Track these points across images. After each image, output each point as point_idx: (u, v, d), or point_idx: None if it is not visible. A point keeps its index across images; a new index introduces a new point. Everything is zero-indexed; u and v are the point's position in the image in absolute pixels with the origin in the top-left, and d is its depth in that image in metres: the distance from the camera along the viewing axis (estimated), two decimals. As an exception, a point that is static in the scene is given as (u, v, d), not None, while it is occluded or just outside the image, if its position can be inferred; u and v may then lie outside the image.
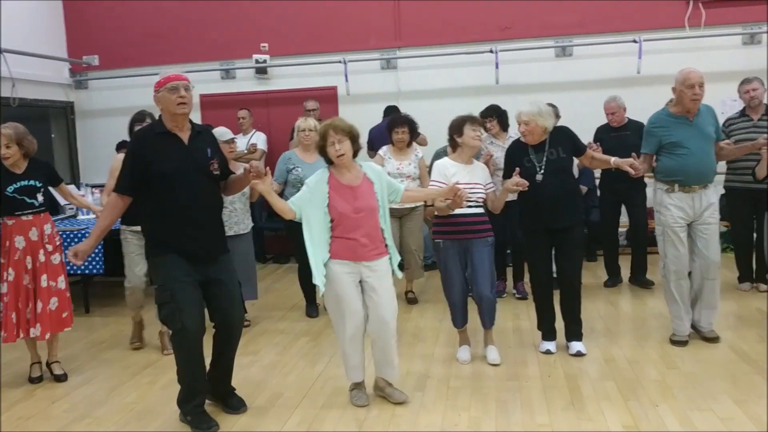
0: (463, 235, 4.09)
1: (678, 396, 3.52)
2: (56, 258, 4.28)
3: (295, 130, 5.44)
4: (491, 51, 7.29)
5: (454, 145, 4.21)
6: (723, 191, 5.76)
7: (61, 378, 4.27)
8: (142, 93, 7.78)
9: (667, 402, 3.45)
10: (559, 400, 3.55)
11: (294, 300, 5.90)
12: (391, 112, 6.57)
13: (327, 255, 3.45)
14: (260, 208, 7.27)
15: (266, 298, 5.98)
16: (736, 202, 5.54)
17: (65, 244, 5.16)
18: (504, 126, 5.60)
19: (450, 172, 4.02)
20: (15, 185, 4.12)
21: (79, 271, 5.64)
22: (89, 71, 8.49)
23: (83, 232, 5.60)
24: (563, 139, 4.20)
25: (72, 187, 6.14)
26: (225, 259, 3.51)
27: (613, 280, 5.94)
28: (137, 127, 4.41)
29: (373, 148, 6.42)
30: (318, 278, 3.44)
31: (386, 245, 3.58)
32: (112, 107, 8.23)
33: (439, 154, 5.34)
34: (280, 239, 7.61)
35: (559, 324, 4.34)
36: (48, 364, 4.35)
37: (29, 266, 4.17)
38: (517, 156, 4.22)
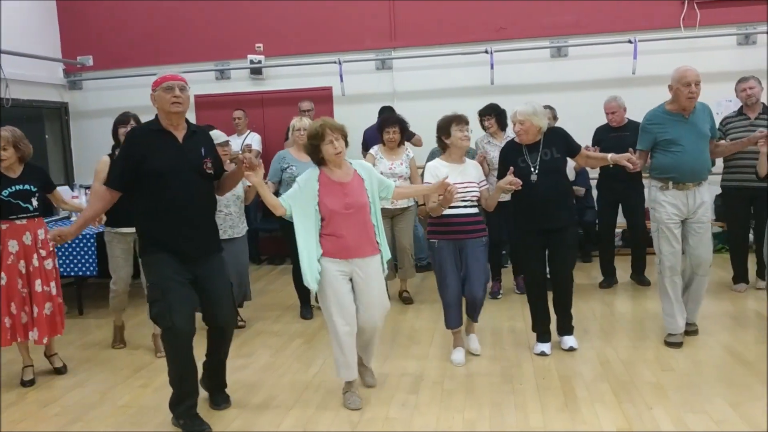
0: (457, 235, 4.10)
1: (672, 398, 3.51)
2: (49, 263, 4.27)
3: (290, 130, 5.45)
4: (486, 51, 7.28)
5: (443, 146, 4.21)
6: (720, 191, 5.78)
7: (61, 370, 4.34)
8: (137, 93, 7.78)
9: (661, 404, 3.44)
10: (554, 402, 3.54)
11: (289, 301, 5.88)
12: (386, 112, 6.57)
13: (319, 252, 3.47)
14: (255, 208, 7.26)
15: (261, 300, 5.96)
16: (732, 202, 5.55)
17: (58, 248, 5.15)
18: (502, 125, 5.59)
19: (442, 173, 4.01)
20: (10, 189, 4.11)
21: (72, 273, 5.63)
22: (83, 72, 8.46)
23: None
24: (557, 139, 4.20)
25: (65, 189, 6.12)
26: (217, 258, 3.51)
27: (609, 280, 5.94)
28: (121, 129, 4.44)
29: (367, 148, 6.41)
30: (310, 280, 3.46)
31: (378, 242, 3.59)
32: (106, 108, 8.16)
33: (435, 154, 5.33)
34: (275, 240, 7.58)
35: (554, 326, 4.34)
36: (47, 357, 4.41)
37: (23, 271, 4.15)
38: (512, 156, 4.22)
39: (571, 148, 4.24)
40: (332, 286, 3.47)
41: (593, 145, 5.36)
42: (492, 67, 7.25)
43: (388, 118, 5.68)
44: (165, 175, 3.26)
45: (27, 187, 4.18)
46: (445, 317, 4.25)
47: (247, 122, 7.61)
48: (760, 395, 3.49)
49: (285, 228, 4.82)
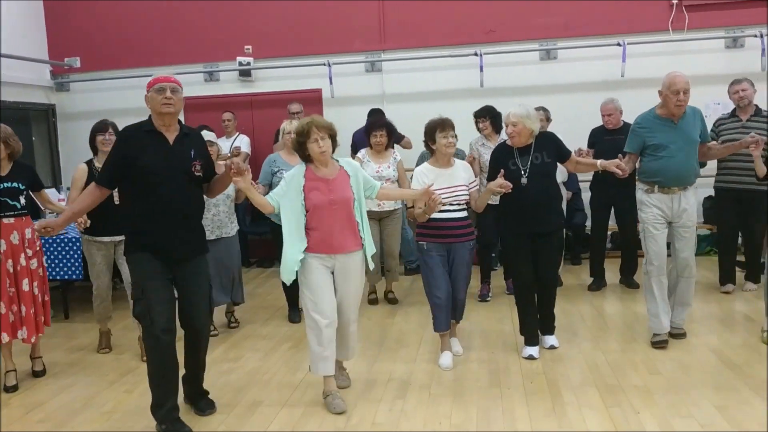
0: (445, 238, 4.13)
1: (659, 402, 3.50)
2: (34, 263, 4.25)
3: (280, 133, 5.44)
4: (476, 54, 7.28)
5: (431, 150, 4.22)
6: (711, 192, 5.79)
7: (39, 374, 4.33)
8: (125, 95, 7.76)
9: (648, 408, 3.43)
10: (541, 407, 3.53)
11: (277, 305, 5.85)
12: (374, 115, 6.56)
13: (303, 246, 3.51)
14: (244, 211, 7.21)
15: (249, 303, 5.92)
16: (723, 203, 5.57)
17: (45, 247, 5.11)
18: (497, 128, 5.58)
19: (429, 178, 4.02)
20: None
21: (58, 277, 5.58)
22: (71, 73, 8.39)
23: (63, 237, 5.53)
24: (548, 144, 4.22)
25: (52, 191, 6.08)
26: (200, 262, 3.52)
27: (598, 283, 5.94)
28: (99, 137, 4.47)
29: (356, 150, 6.40)
30: (285, 273, 3.55)
31: (362, 237, 3.62)
32: (94, 110, 8.10)
33: (424, 157, 5.33)
34: (264, 243, 7.53)
35: (544, 328, 4.36)
36: (32, 358, 4.40)
37: (10, 270, 4.12)
38: (503, 159, 4.22)
39: (561, 153, 4.25)
40: (315, 280, 3.52)
41: (588, 147, 5.35)
42: (481, 70, 7.25)
43: (375, 121, 5.70)
44: (152, 175, 3.27)
45: (15, 184, 4.15)
46: (433, 320, 4.24)
47: (236, 124, 7.57)
48: (747, 399, 3.50)
49: (275, 231, 4.79)
